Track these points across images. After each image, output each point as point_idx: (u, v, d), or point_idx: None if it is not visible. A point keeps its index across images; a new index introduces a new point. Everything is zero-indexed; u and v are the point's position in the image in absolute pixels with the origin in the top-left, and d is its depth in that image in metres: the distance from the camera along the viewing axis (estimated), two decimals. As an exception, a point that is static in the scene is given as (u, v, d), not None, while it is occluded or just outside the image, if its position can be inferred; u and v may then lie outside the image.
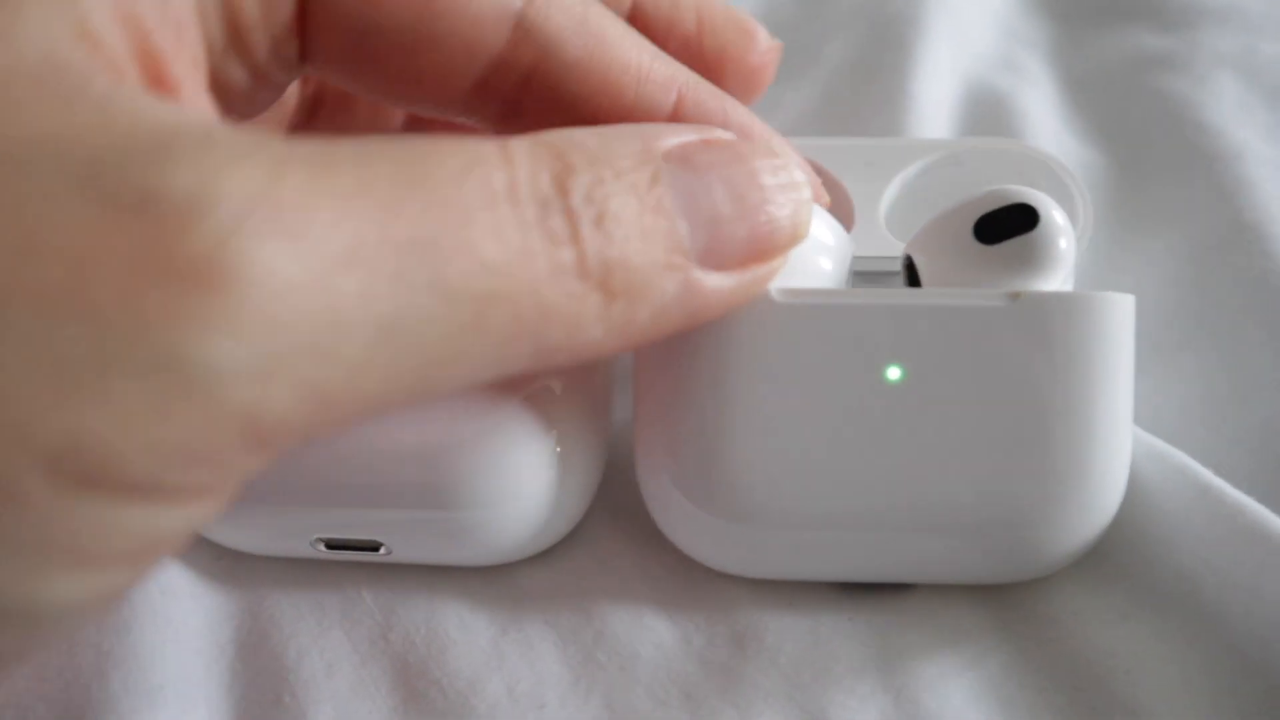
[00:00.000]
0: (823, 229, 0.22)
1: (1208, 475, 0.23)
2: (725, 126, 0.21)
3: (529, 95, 0.21)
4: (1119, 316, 0.21)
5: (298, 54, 0.20)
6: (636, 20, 0.23)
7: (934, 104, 0.35)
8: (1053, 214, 0.22)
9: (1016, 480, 0.21)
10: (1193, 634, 0.22)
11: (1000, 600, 0.23)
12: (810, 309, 0.21)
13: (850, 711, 0.21)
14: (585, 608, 0.24)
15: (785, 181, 0.19)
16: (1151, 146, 0.33)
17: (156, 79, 0.16)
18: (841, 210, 0.28)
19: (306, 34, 0.20)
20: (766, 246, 0.18)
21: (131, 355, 0.12)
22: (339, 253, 0.13)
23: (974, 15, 0.39)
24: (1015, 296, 0.21)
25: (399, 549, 0.23)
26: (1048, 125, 0.35)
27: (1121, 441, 0.21)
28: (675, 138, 0.18)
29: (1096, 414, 0.21)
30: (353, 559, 0.24)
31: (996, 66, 0.37)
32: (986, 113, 0.35)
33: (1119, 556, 0.23)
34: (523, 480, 0.22)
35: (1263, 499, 0.22)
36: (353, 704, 0.22)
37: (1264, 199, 0.30)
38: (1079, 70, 0.37)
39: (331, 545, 0.23)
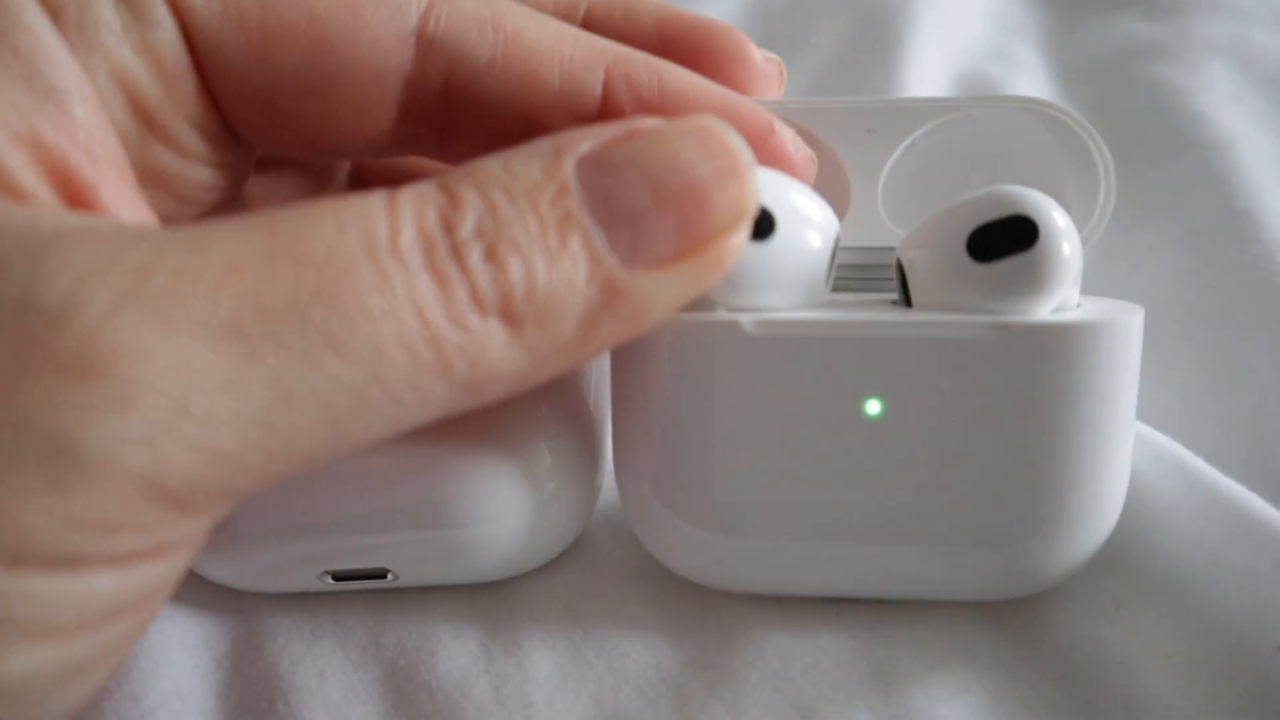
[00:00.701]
0: (801, 201, 0.20)
1: (1200, 464, 0.23)
2: (658, 95, 0.21)
3: (454, 110, 0.21)
4: (1119, 341, 0.19)
5: (225, 130, 0.20)
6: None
7: (925, 93, 0.35)
8: (1054, 222, 0.19)
9: (1007, 512, 0.20)
10: (1187, 622, 0.22)
11: (990, 592, 0.23)
12: (784, 341, 0.20)
13: (839, 705, 0.21)
14: (573, 608, 0.24)
15: (717, 156, 0.17)
16: (1144, 135, 0.33)
17: (68, 190, 0.16)
18: (837, 192, 0.25)
19: (220, 107, 0.20)
20: (702, 233, 0.17)
21: (22, 441, 0.13)
22: (217, 327, 0.14)
23: (963, 4, 0.39)
24: (1005, 328, 0.19)
25: (405, 573, 0.23)
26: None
27: (1120, 467, 0.20)
28: (590, 141, 0.17)
29: (1093, 446, 0.20)
30: (360, 588, 0.24)
31: (988, 55, 0.37)
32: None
33: (1112, 545, 0.23)
34: (521, 493, 0.22)
35: (1255, 486, 0.22)
36: (344, 709, 0.22)
37: (1256, 187, 0.30)
38: (1070, 59, 0.37)
39: (338, 577, 0.23)
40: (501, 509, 0.22)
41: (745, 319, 0.20)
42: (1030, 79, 0.36)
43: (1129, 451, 0.21)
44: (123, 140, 0.18)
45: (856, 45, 0.38)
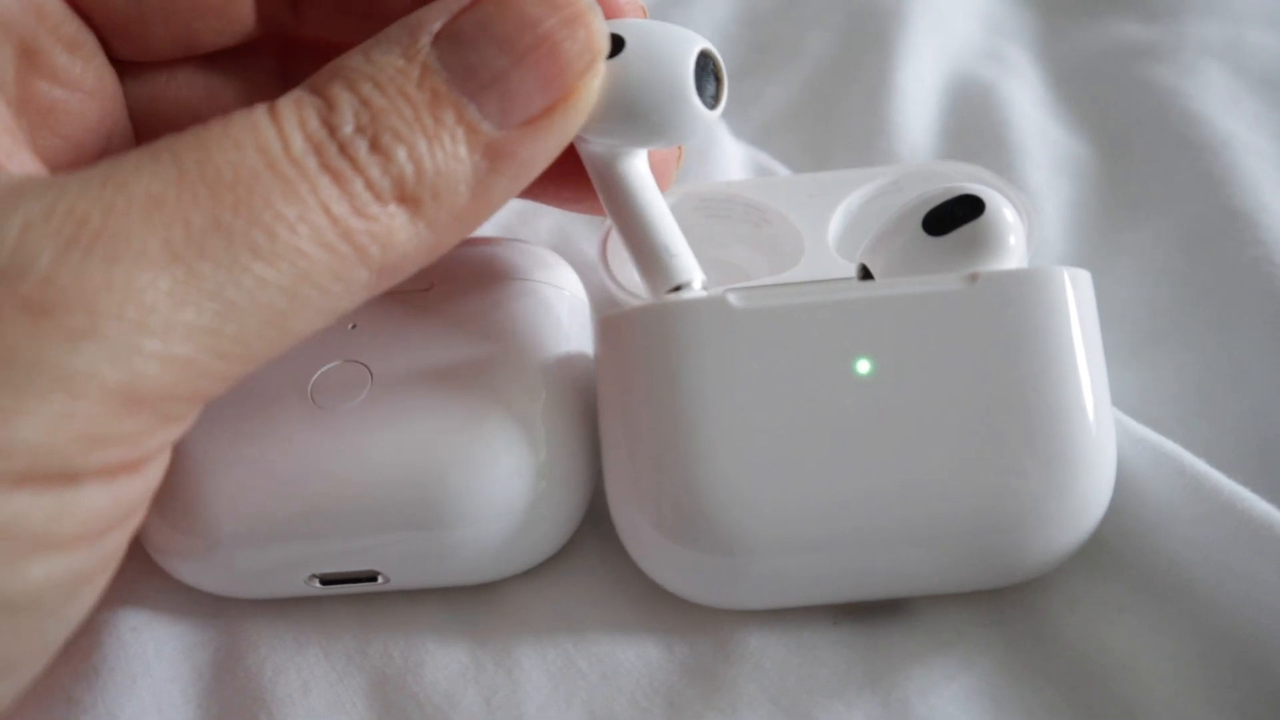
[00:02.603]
0: (649, 23, 0.21)
1: (1201, 465, 0.23)
2: None
3: None
4: (1080, 290, 0.21)
5: (99, 50, 0.21)
6: None
7: (918, 97, 0.35)
8: (996, 196, 0.22)
9: (1005, 463, 0.20)
10: (1189, 625, 0.22)
11: (992, 596, 0.23)
12: (770, 312, 0.21)
13: (837, 716, 0.21)
14: (565, 617, 0.23)
15: (560, 6, 0.18)
16: (1139, 136, 0.33)
17: None
18: (789, 241, 0.28)
19: (91, 24, 0.21)
20: (564, 82, 0.18)
21: (12, 371, 0.14)
22: (154, 254, 0.15)
23: (955, 7, 0.39)
24: (973, 278, 0.21)
25: (396, 575, 0.23)
26: (1033, 116, 0.34)
27: (1105, 415, 0.21)
28: (439, 17, 0.18)
29: (1075, 390, 0.20)
30: (349, 592, 0.23)
31: (980, 57, 0.37)
32: (971, 104, 0.35)
33: (1114, 549, 0.23)
34: (513, 492, 0.22)
35: (1255, 487, 0.22)
36: (329, 721, 0.22)
37: (1252, 187, 0.30)
38: (1064, 61, 0.37)
39: (326, 580, 0.23)
40: (494, 508, 0.22)
41: (730, 295, 0.21)
42: (1024, 81, 0.36)
43: (1110, 418, 0.21)
44: (6, 84, 0.19)
45: (850, 48, 0.37)
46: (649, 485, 0.21)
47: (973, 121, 0.34)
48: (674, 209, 0.29)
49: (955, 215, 0.22)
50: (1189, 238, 0.30)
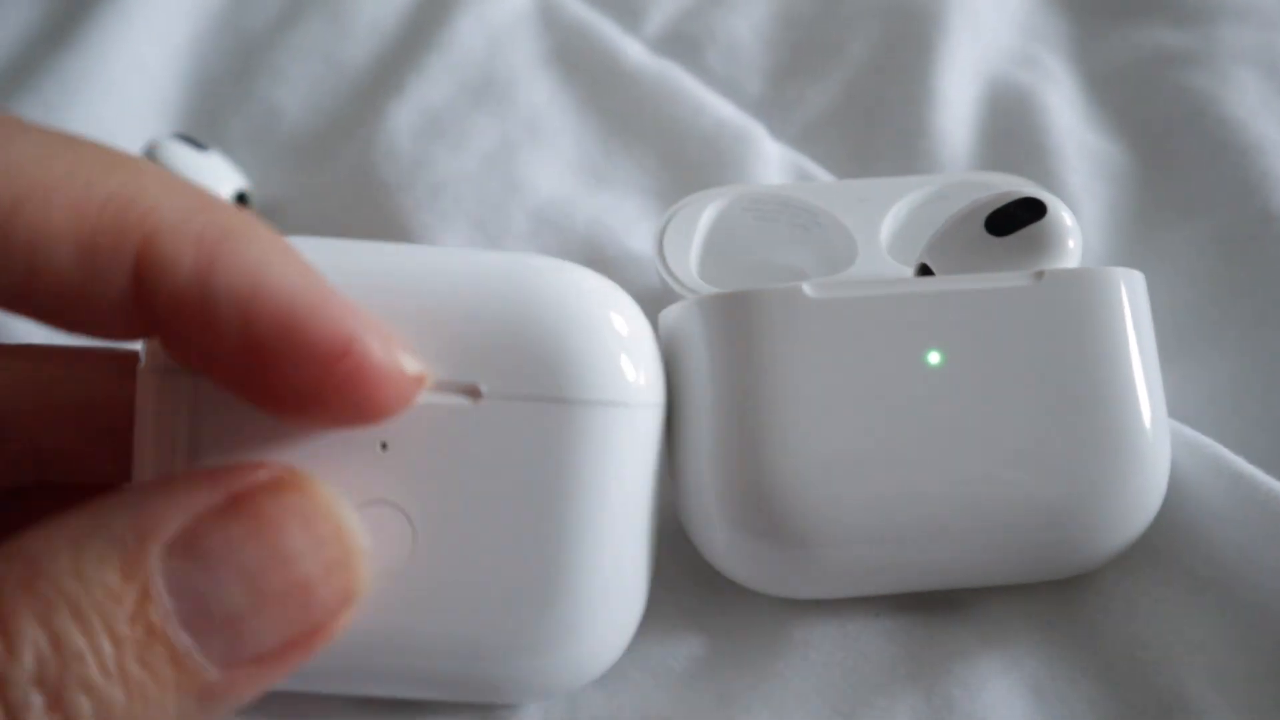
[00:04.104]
0: None
1: (1241, 463, 0.23)
2: (200, 292, 0.15)
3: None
4: (1138, 291, 0.22)
5: None
6: None
7: (957, 101, 0.35)
8: (1058, 201, 0.23)
9: (1065, 459, 0.21)
10: (1230, 622, 0.22)
11: (1034, 593, 0.23)
12: (844, 302, 0.21)
13: (881, 710, 0.21)
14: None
15: (327, 544, 0.15)
16: (1174, 141, 0.33)
17: None
18: (842, 243, 0.29)
19: None
20: (306, 628, 0.15)
21: None
22: None
23: (992, 12, 0.39)
24: (1039, 275, 0.21)
25: None
26: (1070, 120, 0.34)
27: (1160, 414, 0.21)
28: (178, 517, 0.14)
29: (1133, 387, 0.21)
30: None
31: (1017, 63, 0.37)
32: (1010, 109, 0.35)
33: (1155, 546, 0.23)
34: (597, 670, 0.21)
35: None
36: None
37: (1288, 190, 0.30)
38: (1099, 67, 0.37)
39: None
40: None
41: (805, 285, 0.21)
42: (1060, 86, 0.36)
43: (1166, 418, 0.22)
44: None
45: (889, 52, 0.37)
46: (719, 475, 0.21)
47: (1011, 126, 0.34)
48: (724, 210, 0.29)
49: (1018, 217, 0.23)
50: (1226, 240, 0.30)
